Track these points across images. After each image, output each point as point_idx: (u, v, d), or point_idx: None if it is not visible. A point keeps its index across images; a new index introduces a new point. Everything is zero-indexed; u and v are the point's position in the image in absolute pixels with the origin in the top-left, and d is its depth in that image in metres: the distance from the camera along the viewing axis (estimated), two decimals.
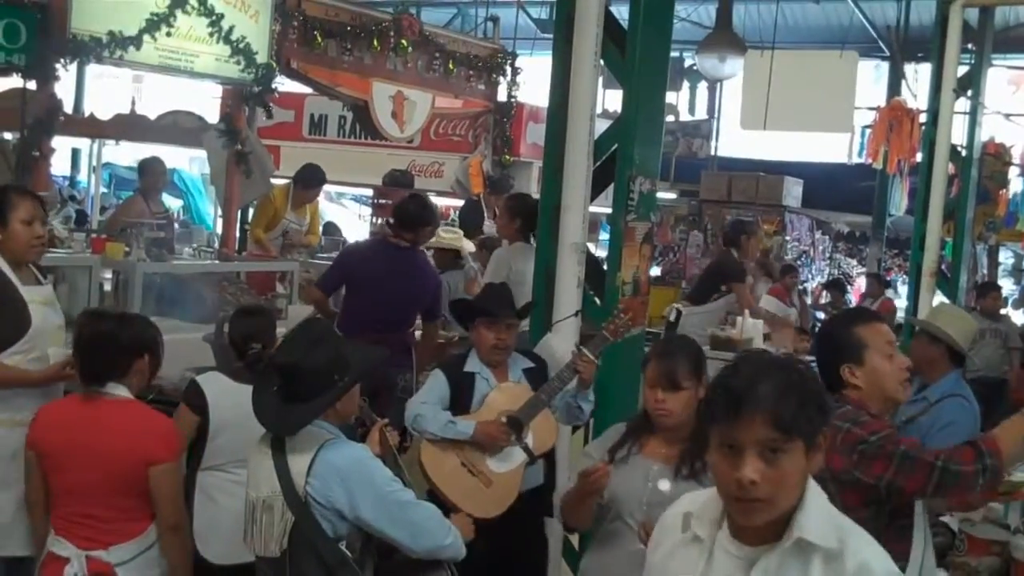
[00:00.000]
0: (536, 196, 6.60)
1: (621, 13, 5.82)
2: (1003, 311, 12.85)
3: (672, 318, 9.66)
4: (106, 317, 4.36)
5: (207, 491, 4.76)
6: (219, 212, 11.81)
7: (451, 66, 11.95)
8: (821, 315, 15.37)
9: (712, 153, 19.13)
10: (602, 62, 5.73)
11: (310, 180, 10.63)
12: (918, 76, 16.94)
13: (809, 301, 15.20)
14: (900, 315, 12.45)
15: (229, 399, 4.71)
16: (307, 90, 12.45)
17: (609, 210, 5.84)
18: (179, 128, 10.94)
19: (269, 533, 3.72)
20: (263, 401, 3.81)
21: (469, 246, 9.75)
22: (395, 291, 7.13)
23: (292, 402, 3.73)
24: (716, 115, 19.64)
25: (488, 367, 5.23)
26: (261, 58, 9.74)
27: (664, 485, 3.90)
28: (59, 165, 15.31)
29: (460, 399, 5.17)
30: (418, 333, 7.55)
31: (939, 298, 10.88)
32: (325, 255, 10.48)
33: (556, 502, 4.17)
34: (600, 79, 5.87)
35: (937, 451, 3.50)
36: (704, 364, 4.07)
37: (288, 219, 10.63)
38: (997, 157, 14.12)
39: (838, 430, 3.52)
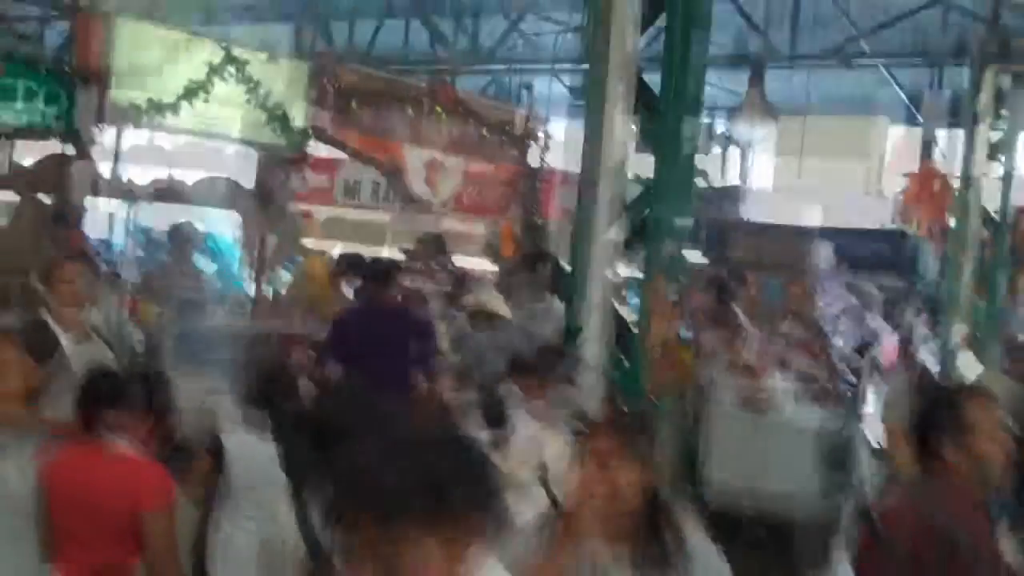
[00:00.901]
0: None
1: (653, 79, 5.88)
2: None
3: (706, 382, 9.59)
4: (103, 372, 4.41)
5: (223, 529, 4.80)
6: (251, 275, 11.88)
7: (485, 132, 12.04)
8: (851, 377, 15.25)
9: (743, 217, 19.11)
10: (634, 128, 5.78)
11: (349, 269, 10.58)
12: (951, 142, 16.92)
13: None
14: None
15: (247, 451, 4.81)
16: (341, 155, 12.56)
17: (640, 275, 5.86)
18: (215, 193, 11.06)
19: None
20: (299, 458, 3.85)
21: (507, 311, 9.73)
22: (389, 350, 7.08)
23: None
24: (746, 179, 19.66)
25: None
26: (297, 124, 9.85)
27: None
28: (95, 228, 15.45)
29: None
30: None
31: (973, 364, 10.80)
32: None
33: None
34: (632, 145, 5.91)
35: None
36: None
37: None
38: None
39: (921, 517, 3.35)
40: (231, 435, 4.93)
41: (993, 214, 11.58)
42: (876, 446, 13.09)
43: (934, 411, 3.55)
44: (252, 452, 4.79)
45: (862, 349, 15.28)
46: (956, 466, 3.39)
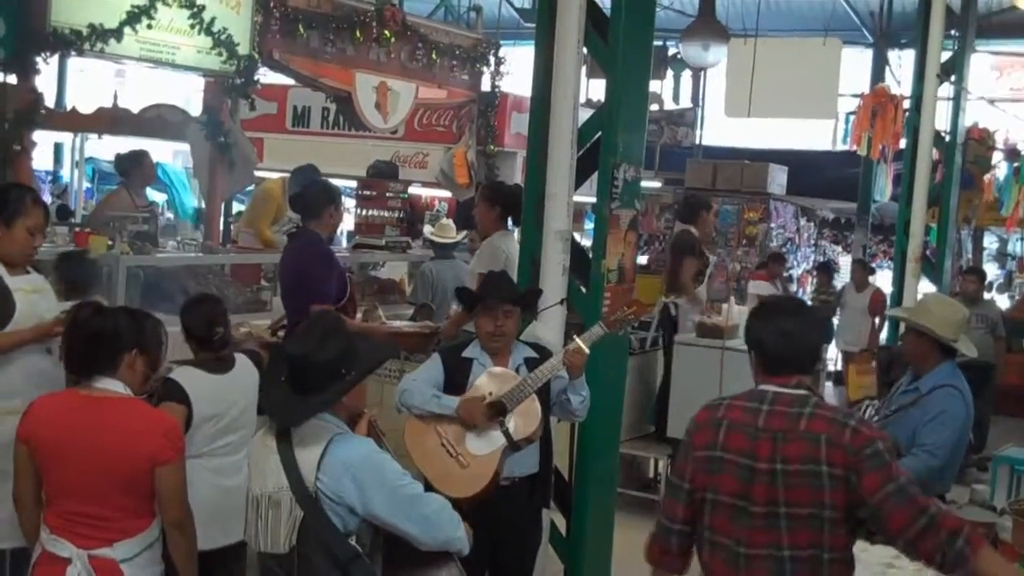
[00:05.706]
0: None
1: (604, 2, 5.81)
2: (987, 296, 12.85)
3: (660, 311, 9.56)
4: (95, 308, 4.26)
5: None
6: (203, 205, 11.75)
7: (434, 56, 11.91)
8: (806, 299, 15.41)
9: (697, 142, 19.11)
10: (585, 50, 5.72)
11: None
12: (902, 62, 16.95)
13: (794, 287, 15.22)
14: None
15: (207, 391, 4.85)
16: (290, 81, 12.40)
17: (594, 199, 5.84)
18: (162, 121, 10.88)
19: (276, 529, 3.66)
20: (271, 391, 3.83)
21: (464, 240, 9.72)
22: (283, 285, 7.28)
23: (300, 394, 3.72)
24: (700, 103, 19.62)
25: (488, 354, 5.20)
26: (243, 50, 9.69)
27: None
28: (41, 159, 15.23)
29: (455, 383, 5.15)
30: None
31: (924, 284, 10.90)
32: None
33: None
34: (583, 69, 5.85)
35: (930, 500, 3.37)
36: None
37: (290, 213, 10.57)
38: (981, 142, 14.15)
39: (843, 426, 3.38)
40: (186, 378, 4.87)
41: (944, 135, 11.63)
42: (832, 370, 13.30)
43: None
44: (211, 394, 4.85)
45: (821, 269, 15.45)
46: None
